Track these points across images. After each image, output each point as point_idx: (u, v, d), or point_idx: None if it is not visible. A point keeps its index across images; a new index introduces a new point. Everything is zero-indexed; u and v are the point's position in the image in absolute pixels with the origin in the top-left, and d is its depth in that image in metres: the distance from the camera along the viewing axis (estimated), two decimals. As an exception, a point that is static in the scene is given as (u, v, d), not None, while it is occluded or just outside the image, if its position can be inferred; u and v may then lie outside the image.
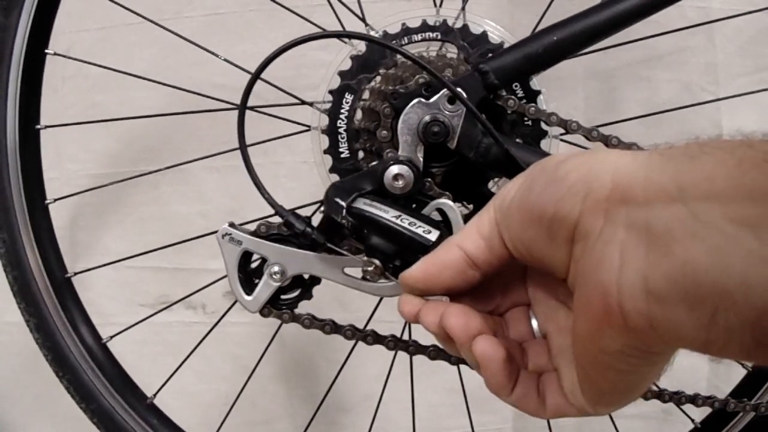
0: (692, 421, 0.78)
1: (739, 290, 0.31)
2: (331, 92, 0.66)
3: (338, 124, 0.65)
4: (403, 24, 0.66)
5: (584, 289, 0.37)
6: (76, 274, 0.80)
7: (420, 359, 0.66)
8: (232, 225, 0.61)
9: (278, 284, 0.60)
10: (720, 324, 0.32)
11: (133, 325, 0.84)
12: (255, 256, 0.61)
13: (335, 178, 0.66)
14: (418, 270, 0.46)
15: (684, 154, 0.35)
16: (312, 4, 0.86)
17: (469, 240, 0.44)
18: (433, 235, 0.52)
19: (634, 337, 0.35)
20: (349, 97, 0.65)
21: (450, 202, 0.57)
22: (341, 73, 0.66)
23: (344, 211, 0.55)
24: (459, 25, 0.66)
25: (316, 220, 0.61)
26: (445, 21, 0.66)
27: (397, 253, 0.53)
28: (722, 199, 0.32)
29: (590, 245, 0.37)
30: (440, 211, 0.57)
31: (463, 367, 0.67)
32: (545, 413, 0.44)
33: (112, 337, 0.81)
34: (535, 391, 0.44)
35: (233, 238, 0.60)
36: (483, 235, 0.43)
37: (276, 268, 0.60)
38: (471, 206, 0.66)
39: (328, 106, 0.66)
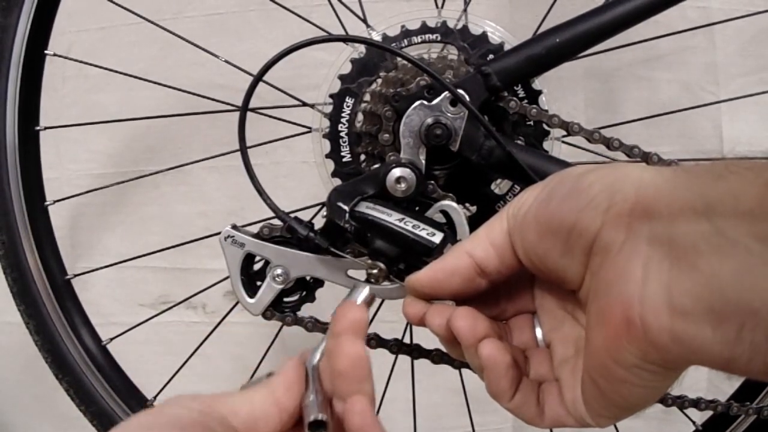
0: (693, 423, 0.78)
1: (766, 307, 0.31)
2: (331, 96, 0.65)
3: (339, 128, 0.65)
4: (403, 26, 0.65)
5: (603, 302, 0.37)
6: (76, 275, 0.80)
7: (421, 359, 0.66)
8: (234, 227, 0.61)
9: (281, 287, 0.60)
10: (746, 341, 0.32)
11: (133, 328, 0.84)
12: (258, 259, 0.61)
13: (337, 181, 0.65)
14: (426, 276, 0.45)
15: (710, 172, 0.35)
16: (312, 4, 0.86)
17: (480, 248, 0.43)
18: (437, 238, 0.52)
19: (654, 352, 0.35)
20: (349, 101, 0.65)
21: (454, 204, 0.56)
22: (341, 77, 0.65)
23: (347, 215, 0.55)
24: (459, 26, 0.66)
25: (317, 222, 0.61)
26: (444, 22, 0.66)
27: (401, 256, 0.53)
28: (749, 217, 0.32)
29: (611, 258, 0.36)
30: (444, 213, 0.56)
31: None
32: (543, 422, 0.43)
33: (111, 339, 0.80)
34: (535, 400, 0.43)
35: (236, 240, 0.60)
36: (494, 243, 0.43)
37: (279, 271, 0.59)
38: (474, 208, 0.66)
39: (329, 109, 0.66)
